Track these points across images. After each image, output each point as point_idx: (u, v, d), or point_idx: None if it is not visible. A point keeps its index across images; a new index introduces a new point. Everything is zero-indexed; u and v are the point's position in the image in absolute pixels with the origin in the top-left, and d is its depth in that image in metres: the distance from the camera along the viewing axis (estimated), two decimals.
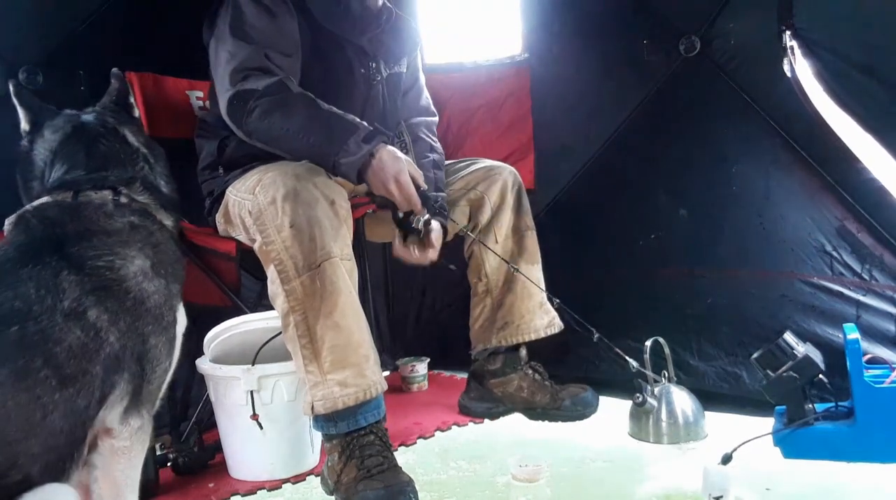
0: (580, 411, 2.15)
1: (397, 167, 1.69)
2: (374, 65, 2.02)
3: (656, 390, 2.01)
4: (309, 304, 1.62)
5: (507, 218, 2.15)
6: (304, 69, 1.88)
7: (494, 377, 2.19)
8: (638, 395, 1.98)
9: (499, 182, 2.16)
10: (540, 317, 2.15)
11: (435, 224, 1.89)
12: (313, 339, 1.63)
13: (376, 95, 2.04)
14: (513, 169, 2.23)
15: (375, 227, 2.18)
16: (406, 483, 1.58)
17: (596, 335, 1.94)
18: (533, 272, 2.15)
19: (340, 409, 1.62)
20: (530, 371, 2.19)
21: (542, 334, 2.15)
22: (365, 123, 1.72)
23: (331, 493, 1.67)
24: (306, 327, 1.63)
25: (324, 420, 1.66)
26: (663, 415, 1.98)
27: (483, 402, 2.23)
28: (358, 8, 1.99)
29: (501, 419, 2.23)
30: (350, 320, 1.65)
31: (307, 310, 1.62)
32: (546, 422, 2.16)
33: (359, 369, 1.63)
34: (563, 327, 2.17)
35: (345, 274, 1.65)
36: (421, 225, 1.83)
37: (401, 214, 1.85)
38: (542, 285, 2.17)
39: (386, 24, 2.06)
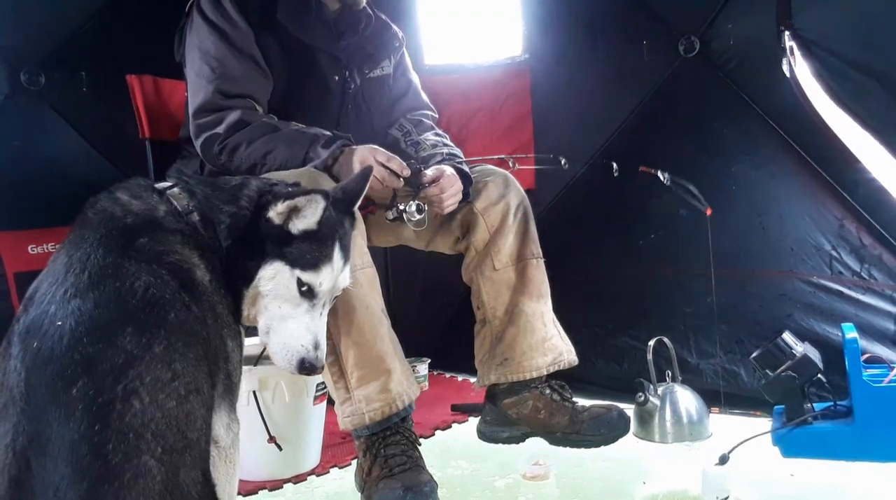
0: (603, 435, 1.92)
1: (363, 153, 1.71)
2: (346, 72, 2.01)
3: (660, 389, 2.01)
4: (330, 322, 1.61)
5: (507, 244, 1.94)
6: (276, 82, 1.90)
7: (507, 396, 1.98)
8: (640, 394, 1.98)
9: (499, 204, 1.95)
10: (543, 354, 1.94)
11: (435, 170, 1.80)
12: (338, 357, 1.65)
13: (350, 102, 2.03)
14: (519, 188, 2.01)
15: (376, 230, 2.17)
16: (425, 483, 1.58)
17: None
18: (537, 306, 1.95)
19: (368, 423, 1.64)
20: (548, 390, 1.98)
21: (545, 372, 1.94)
22: (325, 131, 1.76)
23: (360, 490, 1.68)
24: (331, 346, 1.64)
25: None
26: (668, 415, 1.98)
27: (500, 427, 2.03)
28: (331, 14, 1.98)
29: None
30: (367, 335, 1.66)
31: (329, 329, 1.60)
32: (568, 448, 1.95)
33: (382, 383, 1.65)
34: (574, 364, 1.98)
35: (361, 287, 1.65)
36: (414, 208, 1.76)
37: (393, 212, 1.80)
38: (547, 320, 1.97)
39: (365, 31, 2.05)
